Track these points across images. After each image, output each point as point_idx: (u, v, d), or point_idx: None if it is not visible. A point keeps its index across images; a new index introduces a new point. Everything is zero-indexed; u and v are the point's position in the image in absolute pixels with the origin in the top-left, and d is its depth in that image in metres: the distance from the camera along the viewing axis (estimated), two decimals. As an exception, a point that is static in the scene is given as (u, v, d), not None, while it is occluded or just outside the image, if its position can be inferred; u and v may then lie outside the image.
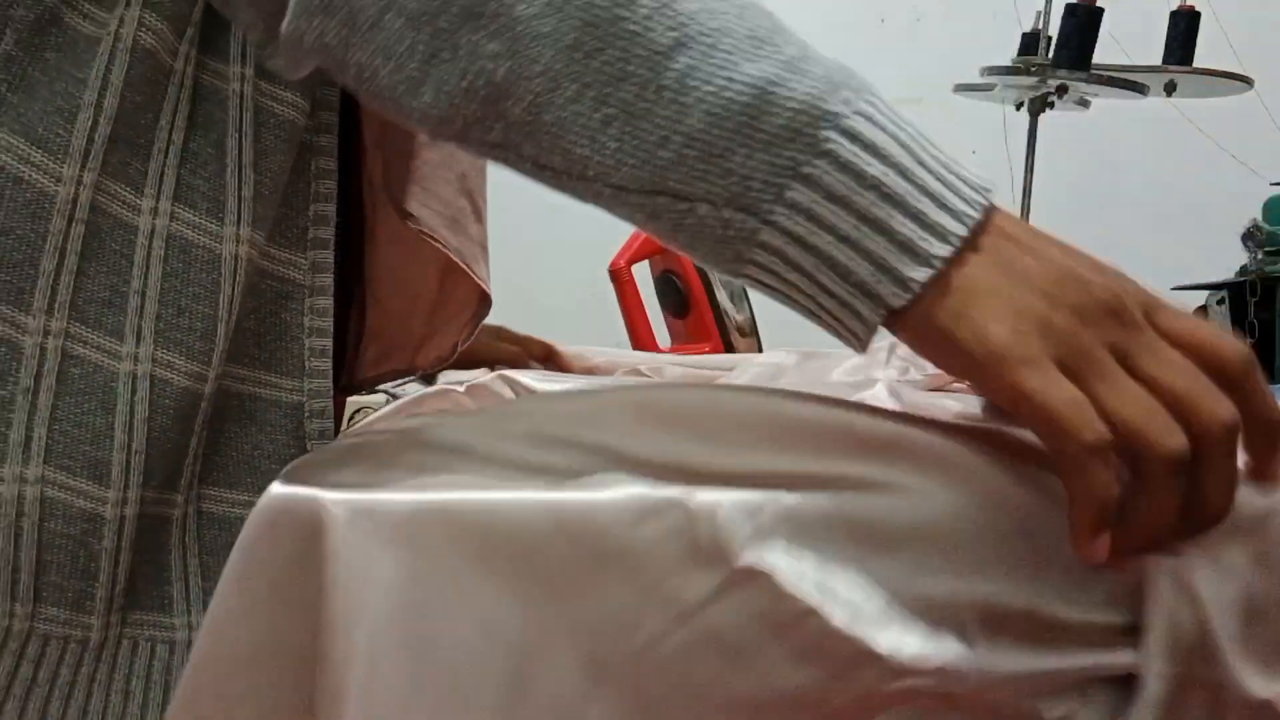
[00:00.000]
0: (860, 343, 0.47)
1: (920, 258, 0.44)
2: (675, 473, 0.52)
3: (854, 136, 0.44)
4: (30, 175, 0.62)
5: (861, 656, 0.50)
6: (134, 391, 0.63)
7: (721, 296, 1.45)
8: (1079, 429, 0.44)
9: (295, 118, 0.68)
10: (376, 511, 0.51)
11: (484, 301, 0.79)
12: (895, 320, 0.46)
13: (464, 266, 0.75)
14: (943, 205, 0.45)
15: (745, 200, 0.45)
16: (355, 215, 0.81)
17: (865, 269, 0.45)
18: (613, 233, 1.53)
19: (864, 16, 2.21)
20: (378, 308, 0.81)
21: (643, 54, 0.46)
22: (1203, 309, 1.56)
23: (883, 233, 0.45)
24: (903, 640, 0.50)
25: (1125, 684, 0.51)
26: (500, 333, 1.06)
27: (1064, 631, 0.52)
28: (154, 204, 0.64)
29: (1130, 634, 0.52)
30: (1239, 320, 1.44)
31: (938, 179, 0.45)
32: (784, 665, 0.51)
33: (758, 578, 0.50)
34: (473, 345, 1.01)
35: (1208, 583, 0.50)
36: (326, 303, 0.71)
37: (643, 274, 1.54)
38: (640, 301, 1.53)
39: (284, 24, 0.52)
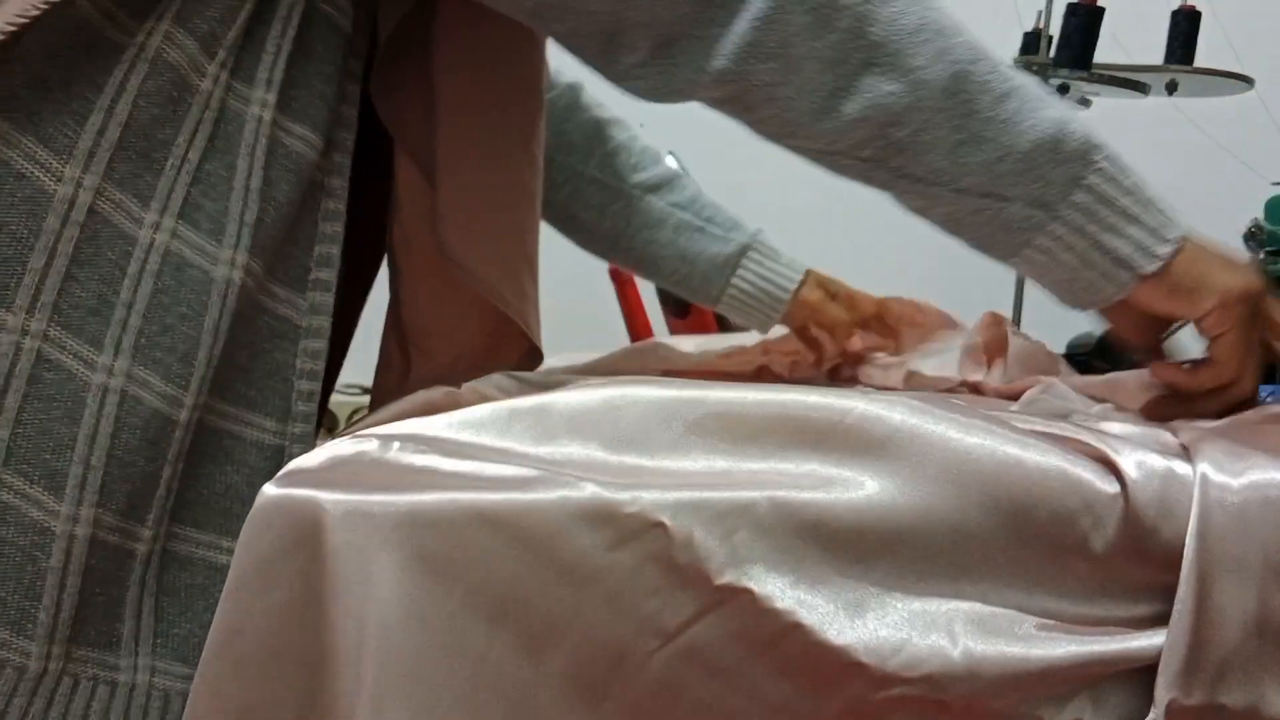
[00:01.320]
0: (1101, 302, 0.68)
1: (1164, 239, 0.66)
2: (654, 476, 0.52)
3: (1113, 159, 0.66)
4: (32, 172, 0.61)
5: (846, 668, 0.50)
6: (102, 405, 0.61)
7: (721, 296, 1.45)
8: (1240, 369, 0.69)
9: (305, 152, 0.68)
10: (374, 513, 0.50)
11: (534, 354, 0.80)
12: (1141, 283, 0.67)
13: (522, 324, 0.77)
14: (1166, 205, 0.67)
15: (1044, 200, 0.65)
16: (366, 263, 0.81)
17: (1126, 248, 0.66)
18: (612, 232, 1.53)
19: (864, 16, 2.21)
20: (425, 360, 0.81)
21: (988, 97, 0.65)
22: (1204, 309, 1.55)
23: (1137, 223, 0.66)
24: (887, 649, 0.50)
25: (1141, 686, 0.51)
26: (828, 290, 1.07)
27: (1061, 626, 0.51)
28: (157, 219, 0.63)
29: (1141, 623, 0.51)
30: (1240, 320, 1.43)
31: (1154, 194, 0.67)
32: (769, 681, 0.51)
33: (737, 596, 0.50)
34: (806, 303, 1.06)
35: (1230, 597, 0.49)
36: (321, 345, 0.70)
37: (642, 274, 1.53)
38: (640, 302, 1.53)
39: (715, 63, 0.64)
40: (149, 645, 0.63)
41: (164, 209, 0.63)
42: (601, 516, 0.50)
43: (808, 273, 1.05)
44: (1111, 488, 0.51)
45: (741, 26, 0.63)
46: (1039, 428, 0.55)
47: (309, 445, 0.68)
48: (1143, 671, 0.51)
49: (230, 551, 0.59)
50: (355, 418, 1.47)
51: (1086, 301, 0.68)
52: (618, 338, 1.57)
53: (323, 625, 0.50)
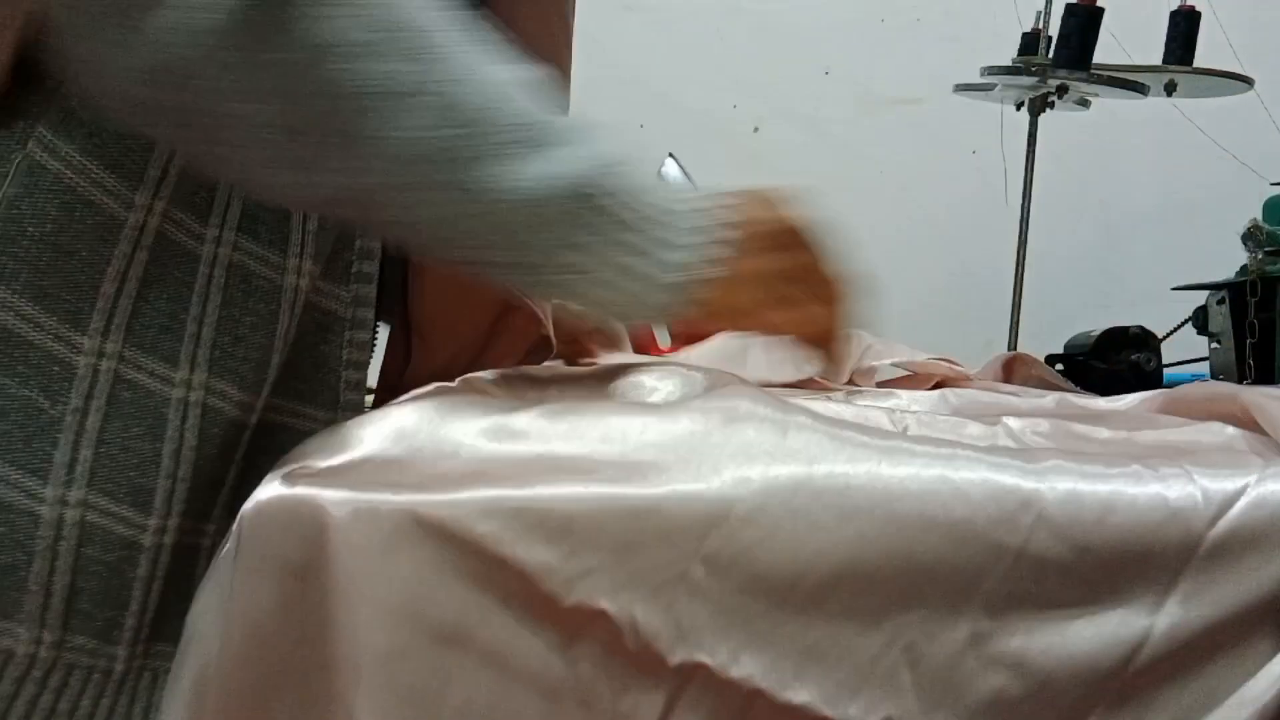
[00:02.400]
0: (643, 327, 0.71)
1: (663, 287, 0.63)
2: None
3: (612, 207, 0.61)
4: (101, 199, 0.61)
5: None
6: (184, 419, 0.62)
7: (721, 297, 1.45)
8: (824, 326, 0.71)
9: None
10: (379, 512, 0.50)
11: (544, 345, 0.81)
12: (668, 319, 0.66)
13: (539, 311, 0.79)
14: (672, 246, 0.62)
15: (531, 264, 0.61)
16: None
17: (624, 299, 0.62)
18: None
19: (864, 16, 2.21)
20: (426, 352, 0.82)
21: (461, 163, 0.58)
22: (1202, 309, 1.55)
23: (631, 277, 0.62)
24: (845, 696, 0.49)
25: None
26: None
27: (1014, 651, 0.50)
28: (218, 233, 0.64)
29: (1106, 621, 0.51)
30: (1239, 320, 1.43)
31: (664, 231, 0.62)
32: None
33: (695, 674, 0.49)
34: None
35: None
36: (366, 336, 0.71)
37: (643, 274, 1.53)
38: (640, 302, 1.53)
39: (131, 123, 0.59)
40: None
41: (223, 222, 0.64)
42: (537, 608, 0.48)
43: None
44: (1043, 481, 0.51)
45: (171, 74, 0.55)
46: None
47: None
48: (1102, 686, 0.50)
49: None
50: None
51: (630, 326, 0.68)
52: (618, 338, 1.57)
53: (327, 604, 0.49)
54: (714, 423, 0.54)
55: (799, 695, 0.49)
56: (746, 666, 0.49)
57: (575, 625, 0.49)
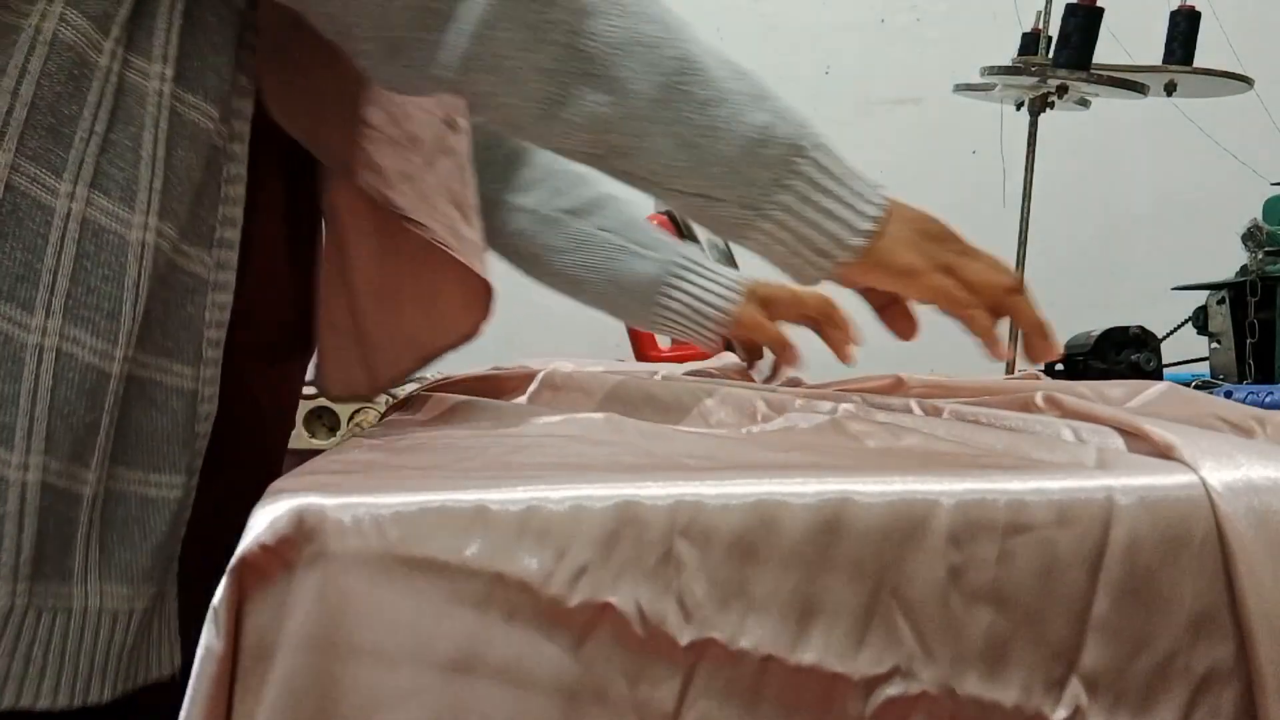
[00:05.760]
0: (812, 281, 0.76)
1: (857, 231, 0.74)
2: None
3: (817, 158, 0.73)
4: None
5: (829, 684, 0.50)
6: (40, 362, 0.66)
7: (721, 296, 1.45)
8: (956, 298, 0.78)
9: (202, 121, 0.71)
10: (384, 517, 0.50)
11: (488, 291, 0.85)
12: (842, 268, 0.75)
13: (465, 261, 0.82)
14: (864, 200, 0.74)
15: (751, 201, 0.72)
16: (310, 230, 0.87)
17: (824, 241, 0.74)
18: (613, 232, 1.53)
19: (864, 16, 2.21)
20: (372, 320, 0.86)
21: (694, 105, 0.70)
22: (1202, 309, 1.56)
23: (834, 219, 0.73)
24: (848, 650, 0.50)
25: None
26: (767, 302, 1.07)
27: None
28: (71, 189, 0.67)
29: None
30: (1239, 320, 1.44)
31: (858, 186, 0.74)
32: None
33: (707, 650, 0.50)
34: (742, 322, 1.06)
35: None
36: (227, 298, 0.75)
37: (643, 274, 1.53)
38: (640, 301, 1.53)
39: (436, 70, 0.69)
40: (95, 572, 0.68)
41: (76, 178, 0.67)
42: (545, 614, 0.49)
43: (745, 287, 1.05)
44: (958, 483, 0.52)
45: (458, 39, 0.68)
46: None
47: (216, 386, 0.75)
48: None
49: (157, 485, 0.70)
50: (356, 418, 1.47)
51: (802, 280, 0.76)
52: (618, 338, 1.58)
53: (335, 611, 0.49)
54: (657, 444, 0.56)
55: (807, 655, 0.50)
56: (753, 634, 0.50)
57: (584, 623, 0.49)
